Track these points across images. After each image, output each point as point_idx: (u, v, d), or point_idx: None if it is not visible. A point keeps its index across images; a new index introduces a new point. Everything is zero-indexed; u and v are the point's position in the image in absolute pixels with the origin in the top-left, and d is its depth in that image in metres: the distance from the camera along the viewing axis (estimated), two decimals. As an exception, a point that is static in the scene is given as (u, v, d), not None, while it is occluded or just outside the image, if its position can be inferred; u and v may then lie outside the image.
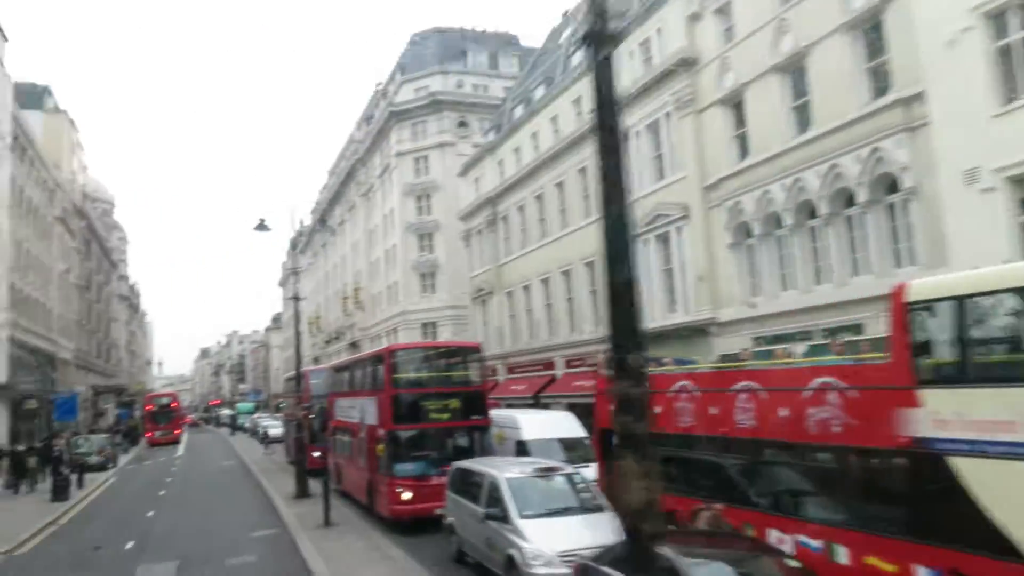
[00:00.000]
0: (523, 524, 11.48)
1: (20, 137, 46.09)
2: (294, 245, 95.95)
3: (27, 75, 71.18)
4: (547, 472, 12.97)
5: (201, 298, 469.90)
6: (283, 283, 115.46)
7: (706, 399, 12.21)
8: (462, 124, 51.54)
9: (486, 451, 17.46)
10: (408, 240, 52.01)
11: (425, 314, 50.74)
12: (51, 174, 54.81)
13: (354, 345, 62.83)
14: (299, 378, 29.47)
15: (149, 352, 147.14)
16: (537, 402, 30.11)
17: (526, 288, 34.30)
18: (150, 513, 23.02)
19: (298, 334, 27.22)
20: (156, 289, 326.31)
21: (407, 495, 16.78)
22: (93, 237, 73.34)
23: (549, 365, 31.77)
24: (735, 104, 21.89)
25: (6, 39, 43.59)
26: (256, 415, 69.49)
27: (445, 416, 17.43)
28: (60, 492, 26.66)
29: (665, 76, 24.13)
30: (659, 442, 13.75)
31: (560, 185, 31.22)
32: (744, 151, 21.47)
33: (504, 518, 11.81)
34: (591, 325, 29.16)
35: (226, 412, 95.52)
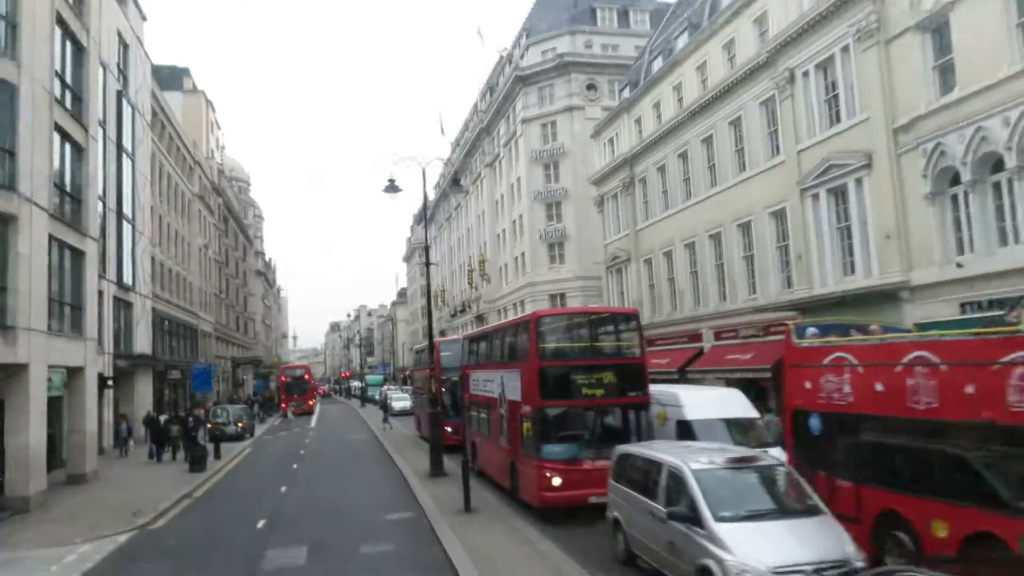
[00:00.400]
0: (721, 529, 9.08)
1: (159, 115, 47.06)
2: (421, 217, 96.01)
3: (166, 58, 73.56)
4: (742, 463, 10.46)
5: (332, 274, 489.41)
6: (407, 258, 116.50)
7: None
8: (591, 87, 48.83)
9: (645, 432, 15.14)
10: (535, 209, 50.00)
11: (553, 285, 48.71)
12: (190, 152, 56.17)
13: (480, 318, 61.71)
14: (431, 350, 28.02)
15: (284, 326, 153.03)
16: (683, 377, 27.44)
17: (667, 254, 31.52)
18: (283, 488, 22.08)
19: (430, 302, 25.55)
20: (289, 265, 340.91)
21: (557, 480, 14.68)
22: (230, 214, 75.54)
23: (695, 337, 28.97)
24: (936, 29, 18.32)
25: (145, 18, 44.31)
26: (385, 387, 69.86)
27: (599, 392, 15.17)
28: (197, 463, 26.37)
29: (842, 4, 20.68)
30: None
31: (708, 140, 28.16)
32: (948, 83, 17.91)
33: (694, 520, 9.45)
34: (745, 292, 26.16)
35: (356, 384, 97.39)
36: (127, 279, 37.27)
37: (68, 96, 24.56)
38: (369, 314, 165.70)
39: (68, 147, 24.35)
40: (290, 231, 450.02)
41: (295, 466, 27.17)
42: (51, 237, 22.04)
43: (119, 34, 37.35)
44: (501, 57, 61.79)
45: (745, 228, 25.90)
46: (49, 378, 25.37)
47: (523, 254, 52.04)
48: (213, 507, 20.08)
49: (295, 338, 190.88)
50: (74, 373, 24.50)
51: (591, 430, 15.25)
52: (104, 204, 34.01)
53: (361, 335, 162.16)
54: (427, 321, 24.28)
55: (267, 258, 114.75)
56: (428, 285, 24.99)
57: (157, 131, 46.58)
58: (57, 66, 23.38)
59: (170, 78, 63.22)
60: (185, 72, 67.09)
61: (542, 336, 15.66)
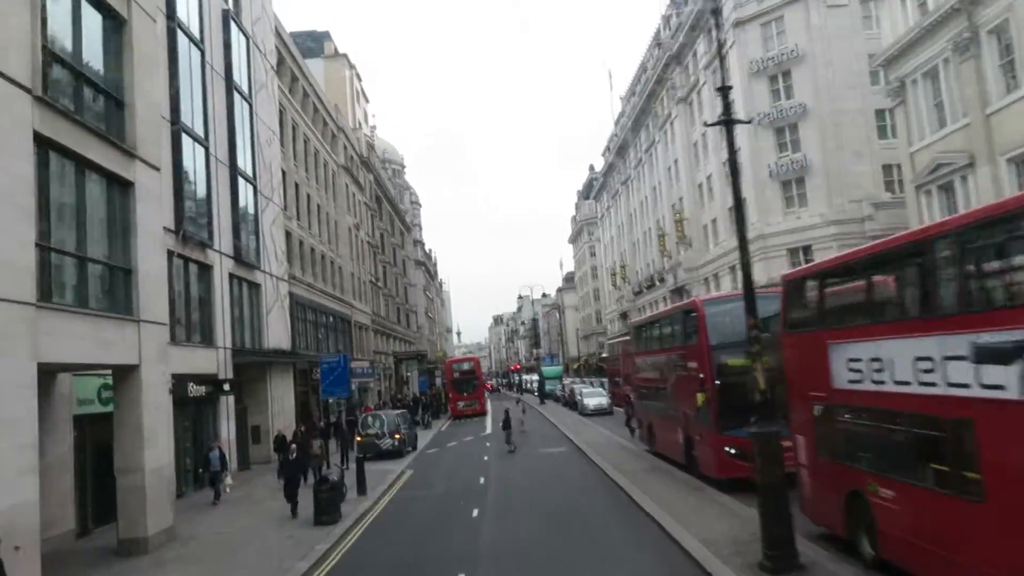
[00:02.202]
0: None
1: (288, 63, 38.41)
2: (587, 193, 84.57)
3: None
4: None
5: (492, 267, 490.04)
6: (573, 239, 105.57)
7: None
8: (831, -38, 35.42)
9: None
10: (760, 139, 37.13)
11: (792, 236, 35.76)
12: (332, 117, 47.71)
13: (679, 291, 49.42)
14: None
15: (448, 320, 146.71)
16: None
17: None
18: (459, 580, 11.32)
19: (736, 174, 12.97)
20: (448, 259, 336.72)
21: None
22: (383, 195, 67.46)
23: None
24: None
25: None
26: (568, 380, 58.39)
27: None
28: (325, 511, 16.30)
29: None
30: None
31: None
32: None
33: None
34: None
35: (528, 378, 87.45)
36: (249, 254, 28.40)
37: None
38: (544, 295, 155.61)
39: (89, 9, 14.75)
40: (446, 224, 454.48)
41: (475, 513, 16.43)
42: (43, 139, 12.38)
43: (220, -62, 28.45)
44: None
45: None
46: (109, 384, 16.26)
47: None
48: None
49: (458, 334, 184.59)
50: (123, 377, 14.98)
51: None
52: (208, 151, 25.15)
53: (535, 324, 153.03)
54: (741, 259, 11.79)
55: (427, 248, 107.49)
56: (730, 142, 12.25)
57: (287, 81, 38.00)
58: None
59: (311, 44, 55.57)
60: (325, 36, 59.30)
61: None
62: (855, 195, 34.07)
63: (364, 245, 55.20)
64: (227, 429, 25.12)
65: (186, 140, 23.31)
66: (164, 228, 18.92)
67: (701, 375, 15.84)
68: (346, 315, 46.56)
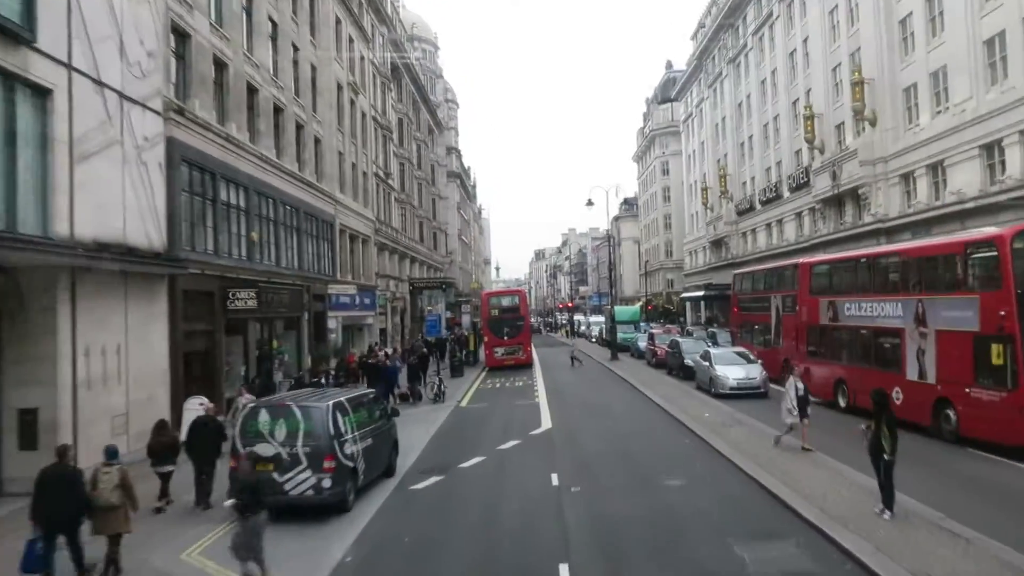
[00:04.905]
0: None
1: None
2: (663, 95, 65.20)
3: None
4: None
5: (536, 197, 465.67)
6: (640, 156, 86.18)
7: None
8: None
9: None
10: None
11: None
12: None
13: (838, 200, 31.04)
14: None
15: (487, 250, 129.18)
16: None
17: None
18: None
19: None
20: (488, 187, 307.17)
21: None
22: (406, 70, 49.19)
23: None
24: None
25: None
26: (656, 329, 39.01)
27: None
28: None
29: None
30: None
31: None
32: None
33: None
34: None
35: (585, 319, 69.77)
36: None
37: None
38: (596, 228, 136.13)
39: None
40: (489, 152, 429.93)
41: None
42: None
43: None
44: None
45: None
46: None
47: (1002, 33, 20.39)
48: None
49: (497, 268, 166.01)
50: None
51: None
52: None
53: (571, 261, 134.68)
54: None
55: (465, 164, 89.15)
56: None
57: None
58: None
59: None
60: None
61: None
62: None
63: (368, 122, 37.40)
64: None
65: None
66: None
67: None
68: (324, 213, 29.21)
